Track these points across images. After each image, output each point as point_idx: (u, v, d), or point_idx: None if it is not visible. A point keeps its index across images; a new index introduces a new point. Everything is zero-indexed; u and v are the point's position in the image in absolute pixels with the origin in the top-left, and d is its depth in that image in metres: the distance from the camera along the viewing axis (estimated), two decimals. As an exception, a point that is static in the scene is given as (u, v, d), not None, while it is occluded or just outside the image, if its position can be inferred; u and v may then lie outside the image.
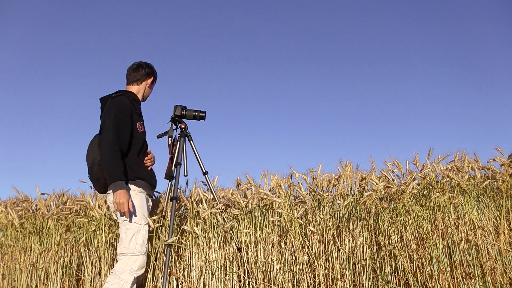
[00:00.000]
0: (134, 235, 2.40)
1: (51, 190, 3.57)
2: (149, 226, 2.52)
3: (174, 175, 2.70)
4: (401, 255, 2.70)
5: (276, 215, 2.92)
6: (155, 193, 3.06)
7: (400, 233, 2.81)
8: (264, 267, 2.88)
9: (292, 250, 2.86)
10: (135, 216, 2.42)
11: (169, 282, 2.87)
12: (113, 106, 2.49)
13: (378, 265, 2.76)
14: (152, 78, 2.74)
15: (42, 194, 3.53)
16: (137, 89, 2.69)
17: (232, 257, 2.93)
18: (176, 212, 2.94)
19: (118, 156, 2.37)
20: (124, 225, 2.42)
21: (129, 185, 2.45)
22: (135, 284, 2.42)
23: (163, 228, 2.84)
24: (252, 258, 2.89)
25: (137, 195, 2.47)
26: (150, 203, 2.65)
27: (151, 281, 2.79)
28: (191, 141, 2.85)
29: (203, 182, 3.09)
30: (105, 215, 3.08)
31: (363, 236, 2.76)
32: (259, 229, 2.97)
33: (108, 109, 2.50)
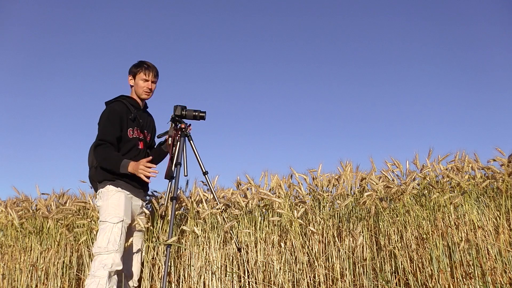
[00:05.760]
0: (106, 234, 2.41)
1: (51, 190, 3.57)
2: (132, 224, 2.58)
3: (174, 175, 2.69)
4: (401, 255, 2.70)
5: (276, 215, 2.92)
6: (155, 193, 3.06)
7: (400, 233, 2.81)
8: (264, 267, 2.87)
9: (292, 250, 2.86)
10: (108, 215, 2.45)
11: (169, 282, 2.87)
12: (103, 114, 2.57)
13: (378, 265, 2.76)
14: (130, 76, 2.71)
15: (42, 194, 3.54)
16: (132, 92, 2.74)
17: (232, 257, 2.93)
18: (176, 212, 2.94)
19: (107, 150, 2.45)
20: (99, 225, 2.48)
21: (108, 185, 2.50)
22: (116, 280, 2.41)
23: (164, 228, 2.84)
24: (252, 258, 2.89)
25: (115, 195, 2.50)
26: (140, 203, 2.66)
27: (149, 281, 2.79)
28: (191, 141, 2.85)
29: (203, 182, 3.09)
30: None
31: (363, 236, 2.76)
32: (259, 229, 2.97)
33: (101, 117, 2.58)
